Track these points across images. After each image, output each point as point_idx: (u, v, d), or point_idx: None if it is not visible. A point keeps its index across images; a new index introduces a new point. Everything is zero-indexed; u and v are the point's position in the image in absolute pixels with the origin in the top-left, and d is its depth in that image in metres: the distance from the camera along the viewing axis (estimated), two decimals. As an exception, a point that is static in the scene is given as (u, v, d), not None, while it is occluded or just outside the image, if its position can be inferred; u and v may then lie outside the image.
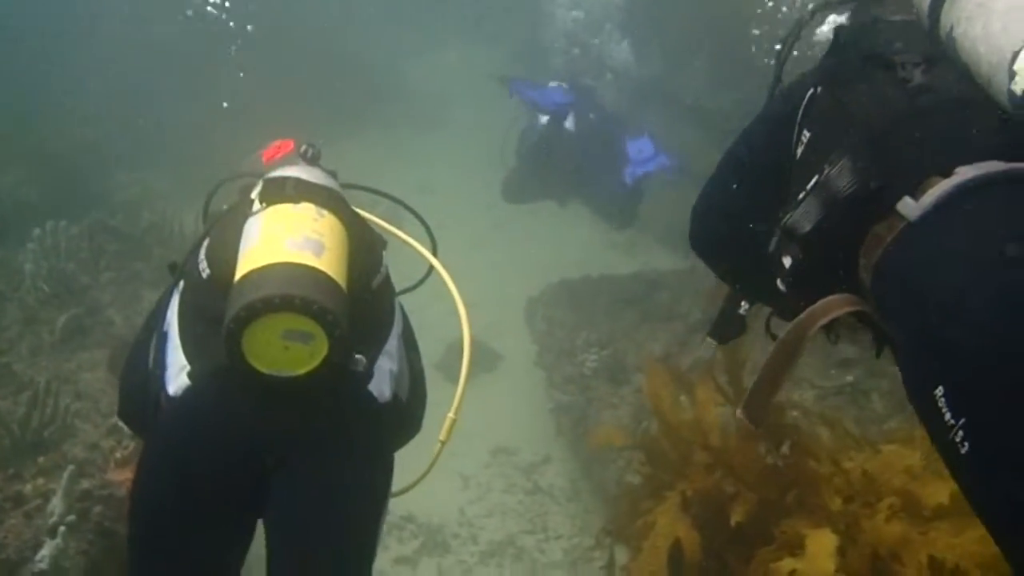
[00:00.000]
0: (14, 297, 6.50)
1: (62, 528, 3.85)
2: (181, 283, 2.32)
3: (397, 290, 2.62)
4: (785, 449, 3.53)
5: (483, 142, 14.51)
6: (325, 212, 2.19)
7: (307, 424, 2.14)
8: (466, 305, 2.56)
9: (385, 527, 6.08)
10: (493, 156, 13.79)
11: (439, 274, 2.62)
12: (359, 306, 2.17)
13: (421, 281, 2.80)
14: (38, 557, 3.81)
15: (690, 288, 7.78)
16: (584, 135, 8.03)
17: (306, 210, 2.17)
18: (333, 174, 2.59)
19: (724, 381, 3.81)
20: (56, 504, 4.03)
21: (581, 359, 6.67)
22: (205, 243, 2.32)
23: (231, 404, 2.10)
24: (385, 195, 2.80)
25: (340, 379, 2.13)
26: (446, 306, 2.67)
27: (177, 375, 2.14)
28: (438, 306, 2.91)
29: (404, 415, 2.42)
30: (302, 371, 2.00)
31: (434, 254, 2.70)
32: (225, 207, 2.47)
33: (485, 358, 9.85)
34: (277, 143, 2.79)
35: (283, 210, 2.17)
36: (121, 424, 4.84)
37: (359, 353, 2.17)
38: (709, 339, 2.59)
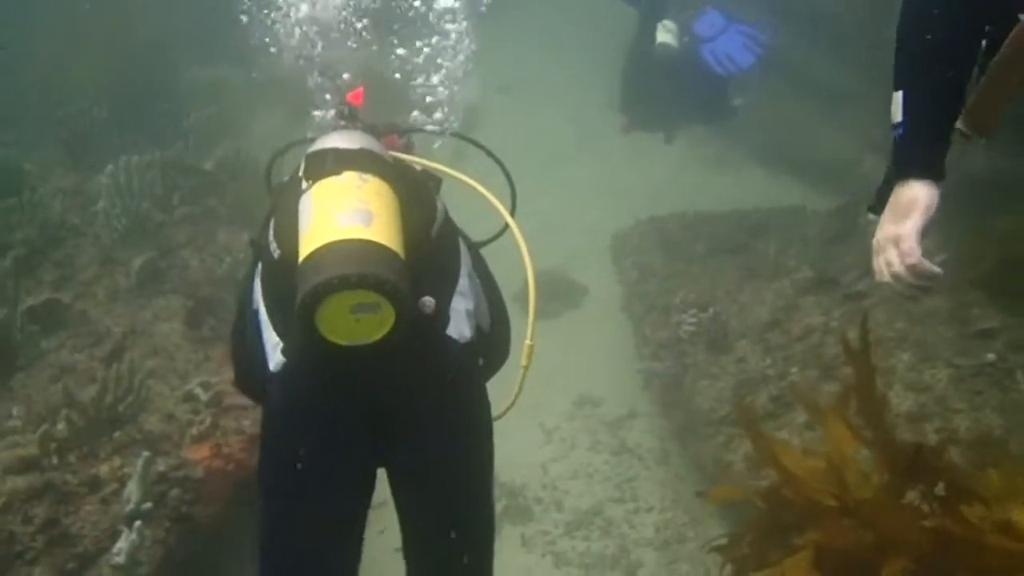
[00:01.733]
0: (89, 232, 6.30)
1: (137, 523, 3.65)
2: (260, 264, 2.42)
3: (477, 241, 2.70)
4: (939, 490, 3.04)
5: (570, 32, 13.74)
6: (368, 176, 2.24)
7: (400, 380, 2.24)
8: (541, 238, 2.65)
9: None
10: (578, 52, 12.99)
11: (510, 221, 2.68)
12: (422, 256, 2.24)
13: (496, 237, 2.79)
14: (115, 550, 3.64)
15: (797, 235, 7.14)
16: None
17: (349, 179, 2.22)
18: (374, 129, 2.68)
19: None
20: (132, 490, 3.84)
21: (677, 320, 6.15)
22: (272, 222, 2.39)
23: (325, 375, 2.20)
24: (444, 135, 2.91)
25: (418, 332, 2.19)
26: (529, 240, 2.64)
27: (273, 352, 2.28)
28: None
29: (490, 346, 2.55)
30: (378, 337, 2.08)
31: (513, 201, 2.77)
32: (285, 178, 2.51)
33: (569, 292, 9.42)
34: (355, 90, 2.92)
35: (328, 184, 2.22)
36: (198, 392, 4.67)
37: (434, 306, 2.25)
38: (871, 215, 2.25)
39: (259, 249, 2.41)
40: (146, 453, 3.88)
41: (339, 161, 2.27)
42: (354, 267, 2.00)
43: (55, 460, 3.93)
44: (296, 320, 2.07)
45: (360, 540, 2.43)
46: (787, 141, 10.01)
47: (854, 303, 5.91)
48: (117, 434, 4.18)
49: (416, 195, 2.39)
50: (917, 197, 2.03)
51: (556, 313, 9.09)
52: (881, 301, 5.86)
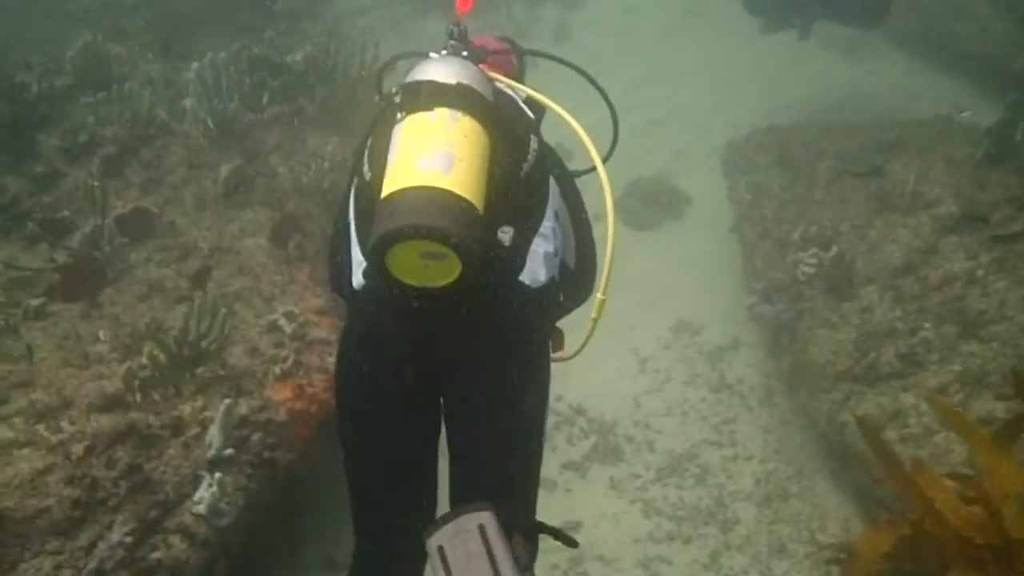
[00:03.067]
0: (179, 130, 6.07)
1: (217, 474, 3.53)
2: (355, 180, 2.46)
3: (575, 170, 2.70)
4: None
5: None
6: (459, 115, 2.24)
7: (464, 319, 2.28)
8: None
9: (555, 420, 5.52)
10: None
11: (596, 162, 2.54)
12: (506, 198, 2.29)
13: (587, 171, 2.71)
14: (196, 498, 3.55)
15: (940, 155, 6.31)
16: None
17: (440, 117, 2.22)
18: (483, 50, 2.66)
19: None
20: (214, 435, 3.72)
21: (794, 259, 5.57)
22: (369, 142, 2.42)
23: (397, 306, 2.25)
24: (549, 56, 2.85)
25: (490, 276, 2.24)
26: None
27: (356, 269, 2.39)
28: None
29: (573, 283, 2.63)
30: (445, 282, 2.14)
31: (612, 144, 2.74)
32: (393, 90, 2.43)
33: (671, 200, 8.85)
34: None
35: (418, 120, 2.23)
36: (283, 323, 4.48)
37: (512, 238, 2.31)
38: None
39: (355, 166, 2.47)
40: (228, 400, 3.72)
41: (433, 96, 2.26)
42: (425, 218, 2.05)
43: (139, 398, 3.81)
44: (368, 257, 2.20)
45: (433, 462, 2.51)
46: (932, 20, 8.90)
47: (1006, 247, 5.21)
48: (200, 370, 4.03)
49: (510, 133, 2.39)
50: None
51: (655, 224, 8.57)
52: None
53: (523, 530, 2.29)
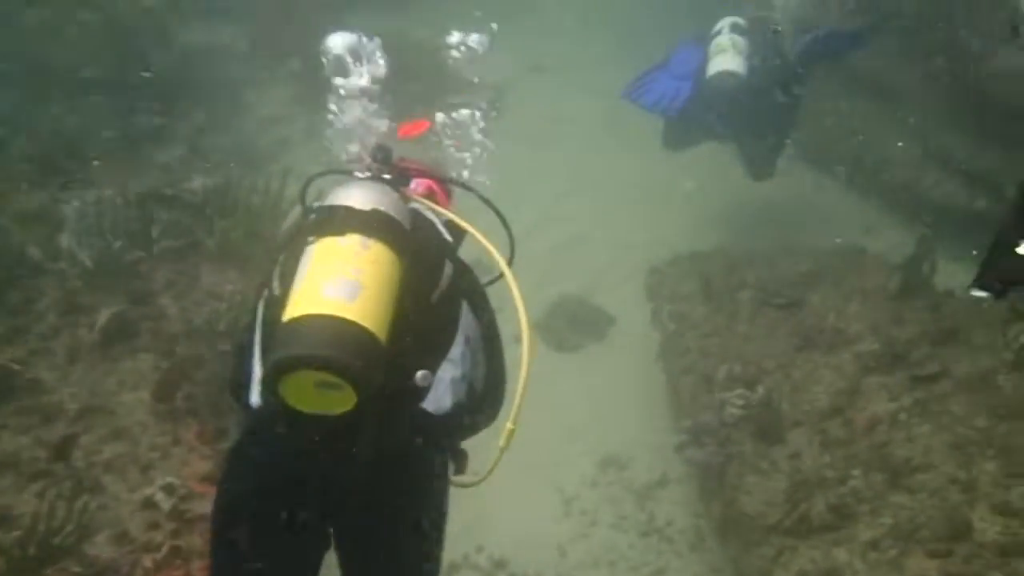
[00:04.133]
0: (53, 270, 5.55)
1: None
2: (265, 291, 2.45)
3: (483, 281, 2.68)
4: None
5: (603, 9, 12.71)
6: (371, 242, 2.26)
7: (360, 452, 2.25)
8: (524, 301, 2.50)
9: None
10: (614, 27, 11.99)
11: (507, 275, 2.61)
12: (414, 325, 2.29)
13: (492, 281, 2.74)
14: None
15: (856, 289, 6.27)
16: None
17: (351, 243, 2.24)
18: (404, 172, 2.73)
19: None
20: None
21: (721, 399, 5.35)
22: (281, 259, 2.42)
23: (291, 431, 2.23)
24: (462, 185, 2.84)
25: (390, 405, 2.24)
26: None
27: (255, 386, 2.35)
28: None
29: (479, 408, 2.56)
30: (340, 411, 2.12)
31: (511, 251, 2.69)
32: (315, 204, 2.51)
33: (595, 321, 8.64)
34: (413, 123, 2.97)
35: (329, 245, 2.25)
36: (160, 498, 3.97)
37: (420, 367, 2.31)
38: (976, 291, 2.01)
39: (267, 279, 2.45)
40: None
41: (347, 222, 2.28)
42: (321, 348, 2.06)
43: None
44: (262, 382, 2.23)
45: None
46: (839, 142, 9.10)
47: (926, 389, 5.10)
48: (49, 571, 3.46)
49: (423, 259, 2.40)
50: None
51: (578, 346, 8.32)
52: (956, 388, 5.05)
53: None
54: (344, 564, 2.44)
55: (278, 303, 2.27)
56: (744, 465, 5.01)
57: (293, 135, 9.96)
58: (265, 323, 2.40)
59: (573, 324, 8.57)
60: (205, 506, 4.09)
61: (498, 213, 2.72)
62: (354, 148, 2.87)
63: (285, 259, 2.40)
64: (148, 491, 4.05)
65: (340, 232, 2.25)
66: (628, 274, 9.25)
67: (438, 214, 2.65)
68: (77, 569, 3.53)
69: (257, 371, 2.35)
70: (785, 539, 4.61)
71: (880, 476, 4.64)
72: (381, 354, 2.14)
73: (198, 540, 3.91)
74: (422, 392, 2.32)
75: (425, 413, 2.33)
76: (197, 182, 6.32)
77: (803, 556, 4.47)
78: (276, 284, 2.38)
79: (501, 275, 2.62)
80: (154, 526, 3.90)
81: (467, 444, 2.58)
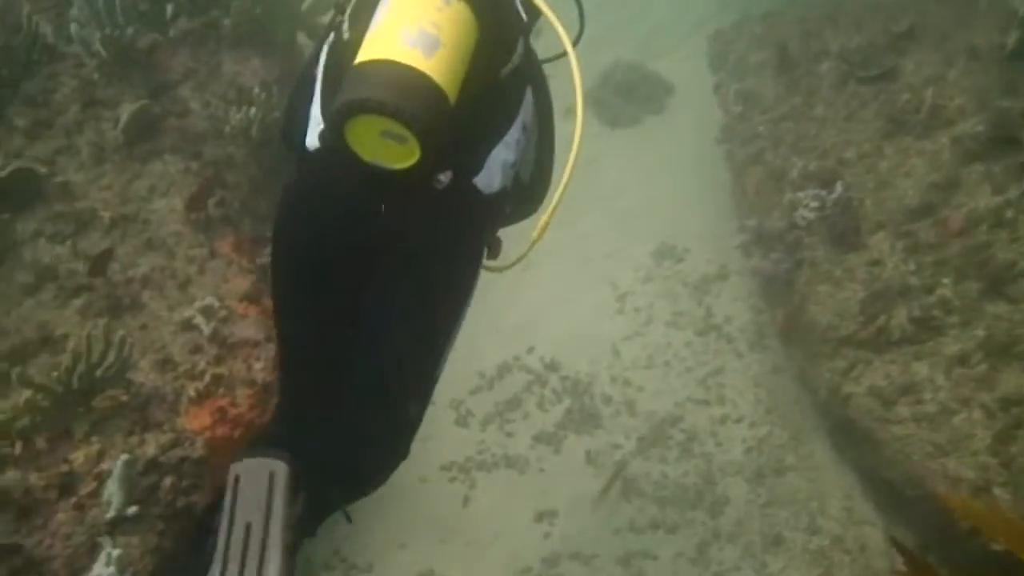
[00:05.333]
0: (68, 53, 5.06)
1: (116, 552, 2.95)
2: (331, 35, 2.40)
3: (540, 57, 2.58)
4: None
5: None
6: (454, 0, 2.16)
7: (406, 211, 2.27)
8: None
9: (526, 380, 5.43)
10: None
11: (571, 57, 2.45)
12: (479, 98, 2.22)
13: (551, 59, 2.61)
14: (94, 573, 2.99)
15: (962, 47, 5.31)
16: None
17: None
18: None
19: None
20: (112, 491, 3.11)
21: (792, 199, 4.84)
22: (352, 3, 2.36)
23: (347, 178, 2.22)
24: None
25: (445, 170, 2.23)
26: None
27: (313, 128, 2.34)
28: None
29: (522, 199, 2.61)
30: (400, 166, 2.12)
31: (580, 31, 2.59)
32: None
33: (651, 90, 7.99)
34: None
35: None
36: (199, 321, 3.81)
37: (475, 144, 2.31)
38: None
39: (332, 24, 2.41)
40: (124, 456, 3.08)
41: None
42: (395, 96, 2.00)
43: (17, 449, 3.17)
44: (328, 120, 2.20)
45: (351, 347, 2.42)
46: None
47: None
48: (98, 399, 3.36)
49: (498, 31, 2.31)
50: None
51: (634, 120, 7.76)
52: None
53: (312, 498, 2.24)
54: (357, 337, 2.40)
55: (347, 47, 2.22)
56: (816, 273, 4.63)
57: None
58: (328, 67, 2.36)
59: (626, 93, 7.93)
60: (248, 330, 3.94)
61: None
62: None
63: (357, 3, 2.34)
64: (187, 313, 3.87)
65: None
66: (689, 29, 8.43)
67: None
68: (125, 398, 3.43)
69: (316, 115, 2.33)
70: (859, 351, 4.33)
71: (975, 284, 4.20)
72: (449, 115, 2.09)
73: (241, 366, 3.78)
74: (476, 167, 2.31)
75: (475, 188, 2.32)
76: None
77: (878, 371, 4.21)
78: (346, 27, 2.32)
79: (564, 53, 2.48)
80: (196, 350, 3.76)
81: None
